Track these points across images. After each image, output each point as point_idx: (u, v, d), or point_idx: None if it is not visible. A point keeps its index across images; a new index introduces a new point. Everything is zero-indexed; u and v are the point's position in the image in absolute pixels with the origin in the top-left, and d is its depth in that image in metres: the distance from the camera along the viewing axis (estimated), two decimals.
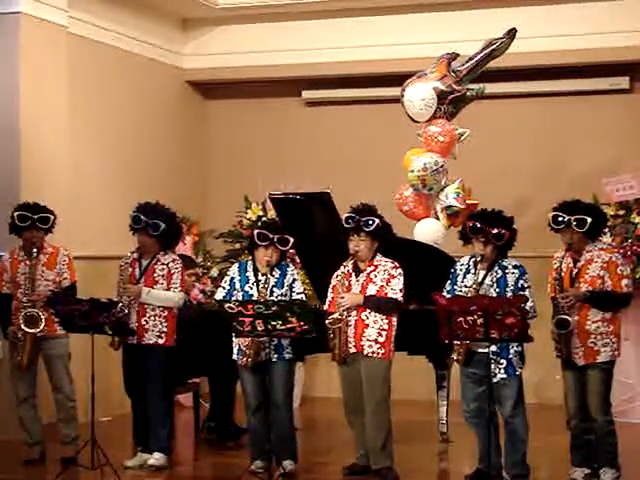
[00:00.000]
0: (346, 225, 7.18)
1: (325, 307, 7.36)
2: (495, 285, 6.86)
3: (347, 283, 7.21)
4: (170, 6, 10.99)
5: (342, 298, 7.11)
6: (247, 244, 7.80)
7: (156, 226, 7.59)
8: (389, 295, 7.11)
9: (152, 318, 7.62)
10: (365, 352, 7.11)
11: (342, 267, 7.26)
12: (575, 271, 6.91)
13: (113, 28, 10.32)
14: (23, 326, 7.64)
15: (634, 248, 9.20)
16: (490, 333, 6.23)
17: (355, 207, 7.29)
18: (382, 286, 7.13)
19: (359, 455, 7.41)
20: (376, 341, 7.10)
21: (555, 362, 7.07)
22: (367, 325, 7.11)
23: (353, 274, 7.22)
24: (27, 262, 7.80)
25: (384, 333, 7.11)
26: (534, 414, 7.27)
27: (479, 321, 6.22)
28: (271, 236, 7.31)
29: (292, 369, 7.46)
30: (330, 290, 7.33)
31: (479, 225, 6.89)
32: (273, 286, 7.31)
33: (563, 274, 6.96)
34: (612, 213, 9.28)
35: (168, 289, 7.67)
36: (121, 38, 10.45)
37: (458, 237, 7.15)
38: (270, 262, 7.31)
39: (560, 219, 6.92)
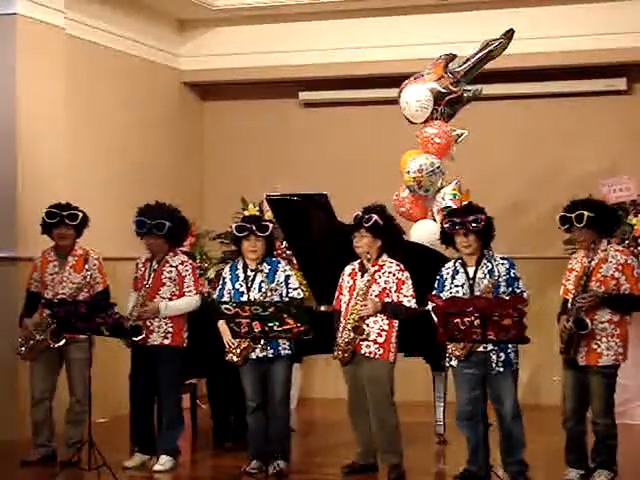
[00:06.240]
0: (353, 222, 7.23)
1: (333, 305, 7.35)
2: (488, 276, 6.85)
3: (352, 282, 7.23)
4: (167, 7, 10.99)
5: (363, 306, 7.09)
6: (234, 245, 7.76)
7: (161, 226, 7.54)
8: (404, 303, 7.13)
9: (156, 319, 7.57)
10: (363, 352, 7.12)
11: (350, 265, 7.29)
12: (589, 269, 6.85)
13: (110, 29, 10.31)
14: (49, 340, 7.63)
15: (631, 249, 9.21)
16: (487, 335, 6.23)
17: (366, 206, 7.32)
18: (385, 288, 7.14)
19: (358, 453, 7.42)
20: (375, 341, 7.11)
21: (552, 363, 7.08)
22: (367, 325, 7.12)
23: (359, 273, 7.24)
24: (56, 263, 7.80)
25: (384, 334, 7.12)
26: (530, 414, 7.27)
27: (476, 322, 6.22)
28: (248, 226, 7.35)
29: (290, 366, 7.47)
30: (338, 288, 7.34)
31: (456, 219, 6.93)
32: (261, 281, 7.33)
33: (575, 273, 6.93)
34: None
35: (182, 294, 7.62)
36: (118, 39, 10.44)
37: (439, 242, 7.16)
38: (256, 251, 7.34)
39: (563, 219, 6.93)
